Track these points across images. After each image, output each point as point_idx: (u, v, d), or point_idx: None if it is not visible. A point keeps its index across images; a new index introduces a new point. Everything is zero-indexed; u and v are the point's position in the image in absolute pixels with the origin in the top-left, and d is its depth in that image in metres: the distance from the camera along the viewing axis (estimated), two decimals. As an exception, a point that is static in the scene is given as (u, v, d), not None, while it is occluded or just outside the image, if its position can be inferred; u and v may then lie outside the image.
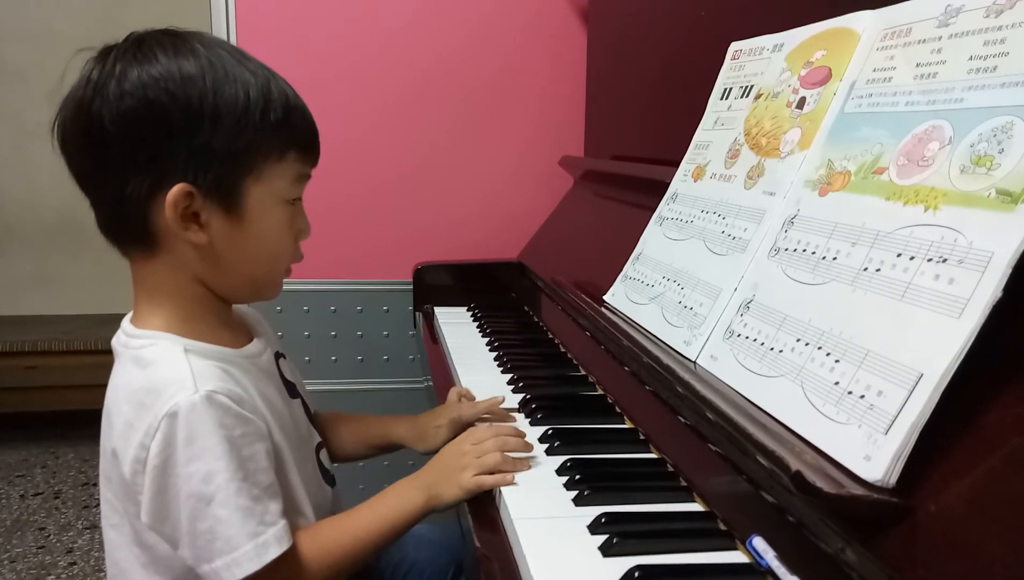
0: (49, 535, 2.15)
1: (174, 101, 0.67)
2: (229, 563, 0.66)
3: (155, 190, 0.68)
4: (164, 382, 0.67)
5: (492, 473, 0.76)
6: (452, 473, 0.77)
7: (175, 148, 0.68)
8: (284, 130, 0.72)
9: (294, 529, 0.72)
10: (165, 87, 0.67)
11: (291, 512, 0.73)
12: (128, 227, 0.71)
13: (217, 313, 0.77)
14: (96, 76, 0.68)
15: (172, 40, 0.70)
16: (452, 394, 0.99)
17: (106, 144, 0.68)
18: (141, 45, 0.69)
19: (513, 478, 0.76)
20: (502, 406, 0.94)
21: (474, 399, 0.98)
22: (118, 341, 0.74)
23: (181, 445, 0.65)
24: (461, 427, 0.93)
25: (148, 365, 0.69)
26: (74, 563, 2.02)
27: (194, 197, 0.69)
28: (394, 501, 0.77)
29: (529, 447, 0.82)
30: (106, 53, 0.69)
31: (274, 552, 0.67)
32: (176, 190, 0.68)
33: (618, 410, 0.95)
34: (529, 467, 0.79)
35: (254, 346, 0.80)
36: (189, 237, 0.70)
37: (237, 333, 0.80)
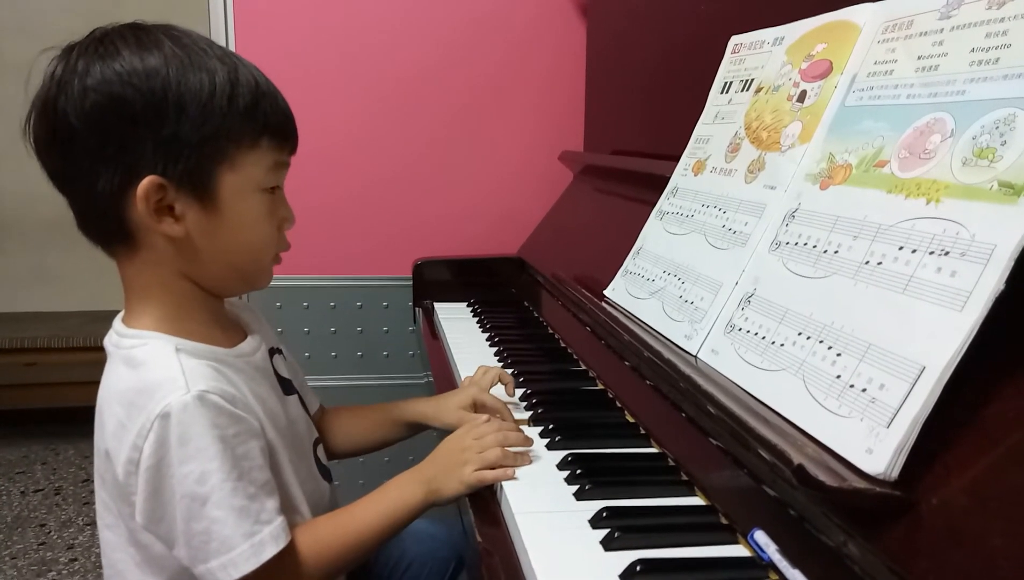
0: (50, 531, 2.15)
1: (137, 93, 0.66)
2: (225, 563, 0.66)
3: (126, 185, 0.67)
4: (156, 382, 0.67)
5: (493, 467, 0.76)
6: (453, 468, 0.77)
7: (142, 140, 0.67)
8: (254, 116, 0.71)
9: (292, 526, 0.71)
10: (128, 80, 0.66)
11: (286, 510, 0.73)
12: (105, 225, 0.71)
13: (208, 310, 0.77)
14: (60, 73, 0.67)
15: (135, 33, 0.69)
16: (479, 372, 0.99)
17: (73, 141, 0.67)
18: (104, 40, 0.68)
19: (514, 473, 0.76)
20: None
21: (509, 381, 0.98)
22: (110, 341, 0.73)
23: (174, 446, 0.65)
24: (479, 406, 0.93)
25: (139, 365, 0.69)
26: (75, 559, 2.02)
27: (167, 189, 0.68)
28: (394, 495, 0.77)
29: (530, 442, 0.82)
30: (69, 50, 0.68)
31: (271, 551, 0.67)
32: (146, 183, 0.67)
33: (619, 405, 0.95)
34: (530, 462, 0.79)
35: (247, 344, 0.79)
36: (164, 230, 0.69)
37: (230, 330, 0.80)
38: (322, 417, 0.99)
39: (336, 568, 0.75)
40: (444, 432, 0.87)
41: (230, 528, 0.66)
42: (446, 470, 0.77)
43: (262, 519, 0.68)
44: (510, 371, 1.08)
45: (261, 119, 0.72)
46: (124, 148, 0.67)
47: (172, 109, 0.67)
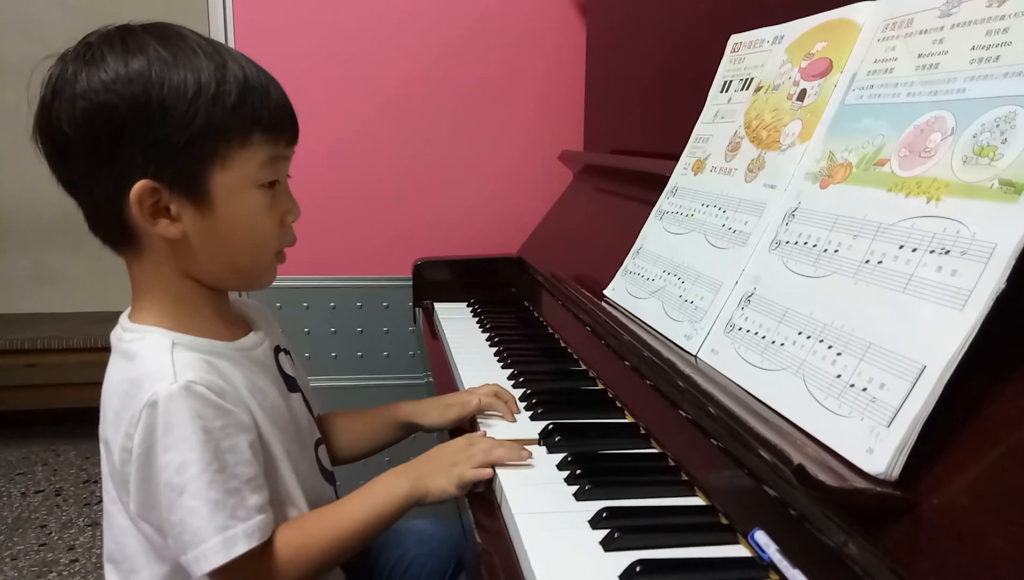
0: (51, 532, 2.15)
1: (121, 99, 0.66)
2: (197, 555, 0.66)
3: (122, 189, 0.68)
4: (146, 373, 0.68)
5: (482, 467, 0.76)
6: (444, 467, 0.77)
7: (131, 145, 0.67)
8: (242, 112, 0.70)
9: (284, 520, 0.71)
10: (112, 87, 0.66)
11: (283, 505, 0.73)
12: (108, 228, 0.72)
13: (211, 305, 0.77)
14: (54, 80, 0.68)
15: (123, 37, 0.69)
16: (485, 388, 0.96)
17: (69, 149, 0.68)
18: (92, 46, 0.68)
19: (491, 472, 0.75)
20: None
21: (509, 398, 0.95)
22: (114, 335, 0.75)
23: (160, 434, 0.66)
24: (471, 411, 0.92)
25: (134, 357, 0.70)
26: (76, 560, 2.02)
27: (160, 192, 0.69)
28: (380, 489, 0.77)
29: (523, 453, 0.79)
30: (63, 57, 0.69)
31: (243, 547, 0.67)
32: (138, 187, 0.67)
33: (619, 404, 0.95)
34: (526, 456, 0.78)
35: (249, 339, 0.79)
36: (161, 232, 0.70)
37: (233, 326, 0.80)
38: (321, 423, 0.99)
39: (321, 563, 0.74)
40: (437, 436, 0.86)
41: (203, 520, 0.66)
42: (436, 469, 0.77)
43: (238, 515, 0.68)
44: (510, 371, 1.08)
45: (250, 114, 0.71)
46: (115, 153, 0.67)
47: (156, 112, 0.67)
